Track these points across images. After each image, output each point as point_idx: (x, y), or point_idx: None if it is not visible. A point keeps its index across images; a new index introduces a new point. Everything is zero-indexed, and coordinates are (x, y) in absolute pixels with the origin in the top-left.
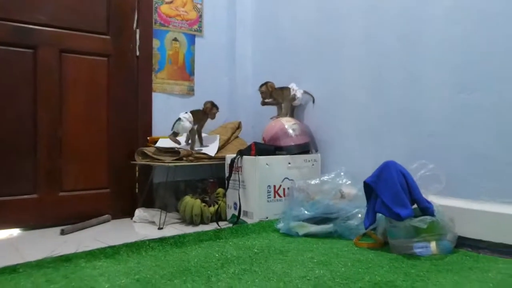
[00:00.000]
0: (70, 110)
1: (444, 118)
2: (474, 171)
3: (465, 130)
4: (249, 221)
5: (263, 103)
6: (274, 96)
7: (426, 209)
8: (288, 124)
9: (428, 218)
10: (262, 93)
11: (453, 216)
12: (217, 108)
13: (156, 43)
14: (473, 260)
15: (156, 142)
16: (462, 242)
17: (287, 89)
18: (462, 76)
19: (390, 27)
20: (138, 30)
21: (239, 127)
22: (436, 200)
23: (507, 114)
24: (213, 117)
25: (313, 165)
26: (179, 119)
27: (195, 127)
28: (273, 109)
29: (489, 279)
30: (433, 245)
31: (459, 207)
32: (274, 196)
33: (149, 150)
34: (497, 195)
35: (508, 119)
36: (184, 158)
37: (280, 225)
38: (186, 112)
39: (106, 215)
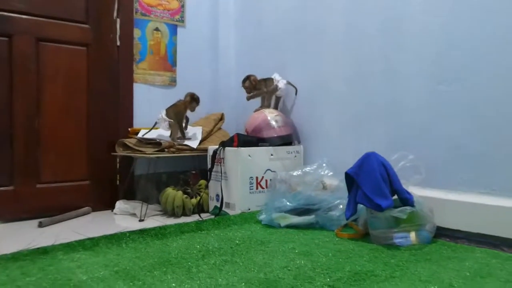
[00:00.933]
0: (48, 101)
1: (424, 109)
2: (453, 162)
3: (443, 121)
4: (231, 212)
5: (249, 98)
6: (258, 88)
7: (406, 200)
8: (271, 115)
9: (408, 208)
10: (246, 88)
11: (432, 207)
12: (197, 102)
13: (137, 32)
14: (451, 250)
15: (137, 133)
16: (441, 232)
17: (270, 80)
18: (441, 67)
19: (371, 16)
20: (118, 19)
21: (222, 118)
22: (416, 191)
23: (483, 106)
24: (192, 110)
25: (295, 156)
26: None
27: (173, 121)
28: (257, 101)
29: (466, 268)
30: (412, 235)
31: (438, 197)
32: (257, 188)
33: (130, 141)
34: (474, 186)
35: (484, 111)
36: (166, 150)
37: (262, 217)
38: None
39: (86, 207)
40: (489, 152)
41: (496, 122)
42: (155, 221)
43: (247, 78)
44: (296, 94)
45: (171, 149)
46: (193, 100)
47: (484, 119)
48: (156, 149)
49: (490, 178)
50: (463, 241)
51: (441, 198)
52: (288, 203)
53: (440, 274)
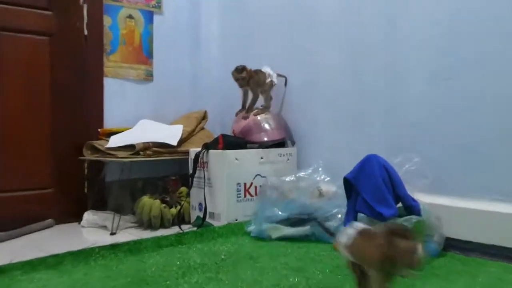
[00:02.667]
0: (5, 98)
1: (429, 106)
2: (463, 165)
3: (452, 120)
4: (216, 223)
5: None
6: (252, 85)
7: (411, 207)
8: (262, 115)
9: (413, 217)
10: (241, 79)
11: (440, 215)
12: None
13: (107, 20)
14: (462, 264)
15: (108, 134)
16: (450, 244)
17: (262, 73)
18: (447, 61)
19: (369, 4)
20: (85, 5)
21: (204, 117)
22: (422, 198)
23: (496, 103)
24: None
25: (288, 159)
26: None
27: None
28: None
29: (478, 284)
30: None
31: (447, 205)
32: (245, 195)
33: (100, 143)
34: (487, 192)
35: (496, 108)
36: (141, 153)
37: (251, 228)
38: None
39: (49, 220)
40: (503, 153)
41: (509, 119)
42: (129, 234)
43: (243, 68)
44: (285, 84)
45: (147, 152)
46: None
47: (497, 117)
48: (130, 152)
49: (504, 183)
50: (475, 253)
51: (450, 205)
52: (280, 213)
53: None
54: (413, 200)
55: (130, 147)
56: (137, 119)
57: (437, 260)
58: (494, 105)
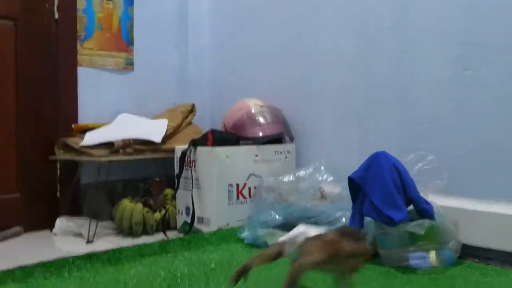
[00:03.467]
0: None
1: (445, 99)
2: (482, 165)
3: (470, 115)
4: (205, 229)
5: None
6: None
7: (424, 211)
8: (257, 108)
9: (426, 222)
10: None
11: (457, 220)
12: None
13: (81, 2)
14: (480, 273)
15: (83, 131)
16: (468, 252)
17: None
18: (469, 48)
19: None
20: None
21: (192, 110)
22: (436, 200)
23: None
24: None
25: (286, 157)
26: None
27: None
28: (239, 90)
29: None
30: (432, 255)
31: (464, 208)
32: (237, 198)
33: (74, 141)
34: (509, 194)
35: None
36: (121, 151)
37: (245, 234)
38: None
39: (16, 227)
40: None
41: None
42: (107, 242)
43: None
44: None
45: (127, 150)
46: None
47: None
48: (108, 151)
49: None
50: (494, 262)
51: (467, 208)
52: (277, 217)
53: None
54: (426, 202)
55: (108, 145)
56: (115, 113)
57: (452, 269)
58: None
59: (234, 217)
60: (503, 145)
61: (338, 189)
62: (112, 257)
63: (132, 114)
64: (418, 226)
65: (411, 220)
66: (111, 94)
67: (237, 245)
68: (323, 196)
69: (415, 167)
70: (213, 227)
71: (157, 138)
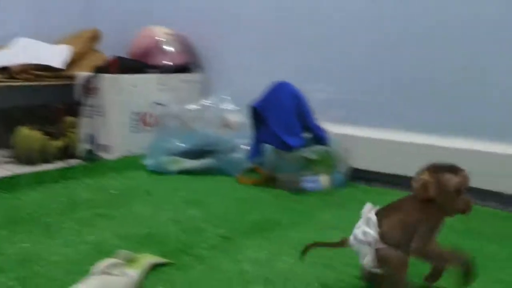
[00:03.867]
0: None
1: (353, 36)
2: (380, 97)
3: (373, 54)
4: (108, 157)
5: None
6: None
7: (319, 138)
8: (164, 36)
9: (320, 148)
10: None
11: (349, 147)
12: None
13: None
14: (363, 193)
15: None
16: (357, 175)
17: None
18: None
19: None
20: None
21: (95, 36)
22: (333, 129)
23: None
24: None
25: (192, 87)
26: None
27: None
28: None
29: None
30: (324, 178)
31: (355, 135)
32: (142, 126)
33: None
34: (401, 123)
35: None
36: (18, 76)
37: (148, 161)
38: None
39: None
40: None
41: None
42: (3, 170)
43: None
44: None
45: (25, 75)
46: None
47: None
48: (4, 76)
49: (417, 114)
50: (378, 183)
51: (357, 135)
52: (181, 144)
53: (348, 219)
54: (322, 130)
55: (3, 70)
56: (10, 36)
57: (342, 190)
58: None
59: (138, 144)
60: (401, 79)
61: (243, 119)
62: (7, 184)
63: (30, 38)
64: (311, 152)
65: (308, 146)
66: (4, 14)
67: (139, 172)
68: (227, 125)
69: (316, 97)
70: (116, 155)
71: (58, 64)
